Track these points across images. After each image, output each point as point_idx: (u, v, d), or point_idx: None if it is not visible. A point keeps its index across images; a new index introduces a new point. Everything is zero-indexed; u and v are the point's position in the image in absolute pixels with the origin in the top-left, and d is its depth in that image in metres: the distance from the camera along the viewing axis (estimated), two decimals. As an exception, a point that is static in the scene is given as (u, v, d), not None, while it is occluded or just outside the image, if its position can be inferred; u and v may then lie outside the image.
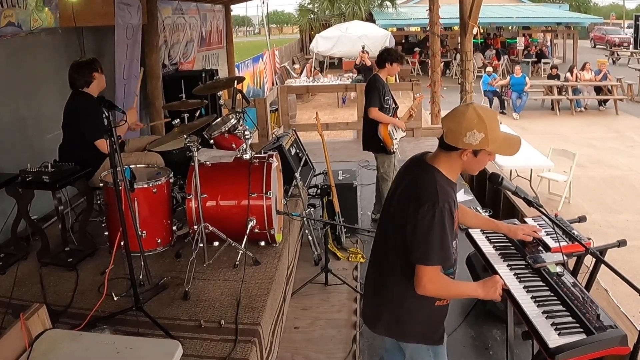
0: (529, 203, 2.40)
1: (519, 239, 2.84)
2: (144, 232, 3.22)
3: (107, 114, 2.72)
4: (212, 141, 4.45)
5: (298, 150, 5.05)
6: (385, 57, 4.90)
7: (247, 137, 3.74)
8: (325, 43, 18.64)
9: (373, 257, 2.32)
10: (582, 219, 3.03)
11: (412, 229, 1.96)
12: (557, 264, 2.54)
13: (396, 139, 4.91)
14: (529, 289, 2.42)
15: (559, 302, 2.32)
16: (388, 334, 2.24)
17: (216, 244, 3.39)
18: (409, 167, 2.19)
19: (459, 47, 8.54)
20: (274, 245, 3.56)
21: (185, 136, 3.36)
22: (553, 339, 2.09)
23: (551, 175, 7.49)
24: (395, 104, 4.97)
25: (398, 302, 2.13)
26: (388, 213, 2.18)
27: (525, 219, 3.35)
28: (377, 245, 2.30)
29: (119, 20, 5.05)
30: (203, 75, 6.60)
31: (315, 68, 18.45)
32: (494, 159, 2.10)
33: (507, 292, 2.47)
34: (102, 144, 3.51)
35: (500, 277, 2.47)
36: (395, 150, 4.92)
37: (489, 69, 15.76)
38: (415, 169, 2.11)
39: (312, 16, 26.76)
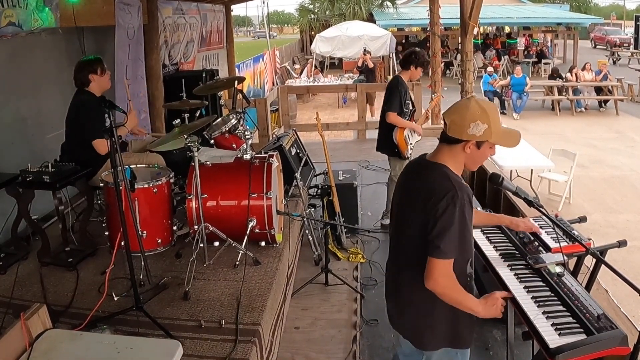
0: (529, 203, 2.39)
1: (522, 236, 2.84)
2: (145, 232, 3.22)
3: (108, 114, 2.71)
4: (212, 141, 4.46)
5: (298, 151, 5.05)
6: (412, 59, 4.72)
7: (247, 137, 3.75)
8: (325, 44, 18.59)
9: (393, 267, 2.26)
10: (582, 219, 3.03)
11: (432, 224, 1.92)
12: (557, 265, 2.54)
13: (411, 144, 4.74)
14: (530, 289, 2.42)
15: (559, 302, 2.32)
16: (434, 347, 2.16)
17: (216, 244, 3.39)
18: (412, 171, 2.16)
19: (460, 47, 8.54)
20: (275, 245, 3.56)
21: (185, 136, 3.36)
22: (553, 339, 2.09)
23: (551, 176, 7.48)
24: (413, 106, 4.81)
25: (431, 311, 2.08)
26: (402, 220, 2.14)
27: (526, 219, 3.35)
28: (395, 255, 2.23)
29: (120, 20, 5.05)
30: (203, 75, 6.60)
31: (315, 67, 18.43)
32: (494, 153, 2.09)
33: (507, 292, 2.46)
34: (100, 144, 3.50)
35: (503, 281, 2.48)
36: (409, 156, 4.71)
37: (490, 68, 15.77)
38: (422, 171, 2.08)
39: (312, 16, 26.77)
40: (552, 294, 2.37)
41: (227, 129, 4.47)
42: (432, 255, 1.93)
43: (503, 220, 2.67)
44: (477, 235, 3.04)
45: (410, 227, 2.07)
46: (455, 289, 2.00)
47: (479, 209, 5.22)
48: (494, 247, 2.89)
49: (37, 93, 4.34)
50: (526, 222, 2.66)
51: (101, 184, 3.35)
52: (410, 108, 4.74)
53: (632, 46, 25.13)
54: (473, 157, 2.02)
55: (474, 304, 2.06)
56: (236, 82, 4.82)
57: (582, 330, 2.12)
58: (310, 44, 22.03)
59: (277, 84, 16.50)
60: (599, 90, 13.84)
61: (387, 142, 4.76)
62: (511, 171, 7.33)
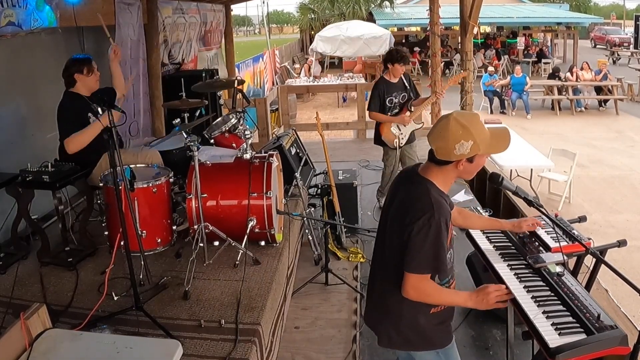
0: (529, 203, 2.39)
1: (522, 235, 2.84)
2: (144, 231, 3.22)
3: (101, 112, 2.70)
4: (212, 141, 4.45)
5: (298, 150, 5.05)
6: (387, 58, 5.15)
7: (247, 136, 3.74)
8: (325, 45, 18.40)
9: (372, 270, 2.34)
10: (582, 219, 3.03)
11: (407, 240, 1.97)
12: (557, 264, 2.54)
13: (402, 133, 5.14)
14: (529, 289, 2.42)
15: (559, 302, 2.32)
16: (394, 346, 2.25)
17: (216, 243, 3.39)
18: (401, 180, 2.20)
19: (459, 47, 8.54)
20: (274, 245, 3.56)
21: (185, 136, 3.36)
22: (553, 339, 2.09)
23: (551, 175, 7.49)
24: (409, 97, 5.17)
25: (397, 314, 2.14)
26: (385, 226, 2.19)
27: (526, 219, 3.35)
28: (375, 258, 2.31)
29: (120, 19, 5.04)
30: (203, 74, 6.60)
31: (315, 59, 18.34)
32: (489, 156, 2.10)
33: (504, 286, 2.46)
34: (69, 142, 3.45)
35: (503, 280, 2.49)
36: (396, 146, 5.14)
37: (491, 68, 15.78)
38: (408, 182, 2.12)
39: (312, 16, 26.76)
40: (552, 294, 2.37)
41: (227, 128, 4.47)
42: (405, 269, 1.99)
43: (505, 226, 2.67)
44: (477, 234, 3.04)
45: (389, 235, 2.12)
46: (431, 296, 2.05)
47: (479, 208, 5.28)
48: (494, 246, 2.88)
49: (37, 93, 4.33)
50: (527, 221, 2.63)
51: (101, 184, 3.35)
52: (396, 102, 5.14)
53: (632, 46, 25.13)
54: (467, 170, 2.03)
55: (462, 299, 2.13)
56: (236, 82, 4.80)
57: (582, 330, 2.12)
58: (311, 43, 21.94)
59: (277, 84, 16.49)
60: (598, 89, 13.84)
61: (378, 136, 5.30)
62: (511, 171, 7.34)
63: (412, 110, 5.14)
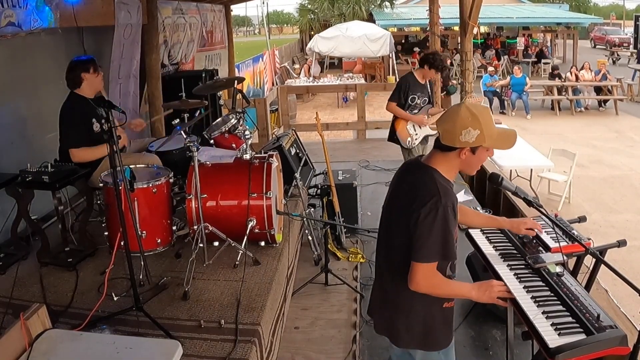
0: (529, 203, 2.40)
1: (522, 235, 2.83)
2: (144, 232, 3.21)
3: (105, 115, 2.70)
4: (212, 141, 4.45)
5: (298, 150, 5.05)
6: (427, 59, 4.99)
7: (247, 137, 3.74)
8: (324, 44, 18.50)
9: (378, 267, 2.30)
10: (582, 219, 3.03)
11: (414, 227, 1.95)
12: (557, 264, 2.54)
13: (416, 134, 5.13)
14: (529, 289, 2.42)
15: (559, 302, 2.32)
16: (404, 345, 2.20)
17: (216, 244, 3.39)
18: (404, 171, 2.20)
19: (459, 47, 8.53)
20: (274, 245, 3.56)
21: (185, 136, 3.36)
22: (553, 339, 2.09)
23: (551, 176, 7.49)
24: (429, 102, 5.17)
25: (408, 311, 2.12)
26: (389, 220, 2.17)
27: (525, 219, 3.34)
28: (380, 254, 2.27)
29: (119, 20, 5.04)
30: (203, 75, 6.60)
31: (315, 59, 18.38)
32: (492, 155, 2.10)
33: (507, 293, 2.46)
34: (74, 153, 3.48)
35: (503, 281, 2.49)
36: (409, 146, 5.12)
37: (491, 69, 15.79)
38: (412, 171, 2.11)
39: (312, 16, 26.75)
40: (552, 294, 2.37)
41: (226, 128, 4.47)
42: (413, 259, 1.97)
43: (503, 224, 2.66)
44: (477, 235, 3.05)
45: (395, 227, 2.10)
46: (440, 287, 2.04)
47: (478, 208, 5.29)
48: (494, 246, 2.89)
49: (37, 93, 4.33)
50: (527, 223, 2.59)
51: (100, 184, 3.35)
52: (417, 102, 5.10)
53: (631, 46, 25.16)
54: (469, 162, 2.03)
55: (466, 290, 2.16)
56: (236, 82, 4.80)
57: (581, 330, 2.12)
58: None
59: (276, 84, 16.50)
60: (598, 90, 13.85)
61: (393, 132, 5.23)
62: (511, 171, 7.33)
63: (430, 116, 5.14)
